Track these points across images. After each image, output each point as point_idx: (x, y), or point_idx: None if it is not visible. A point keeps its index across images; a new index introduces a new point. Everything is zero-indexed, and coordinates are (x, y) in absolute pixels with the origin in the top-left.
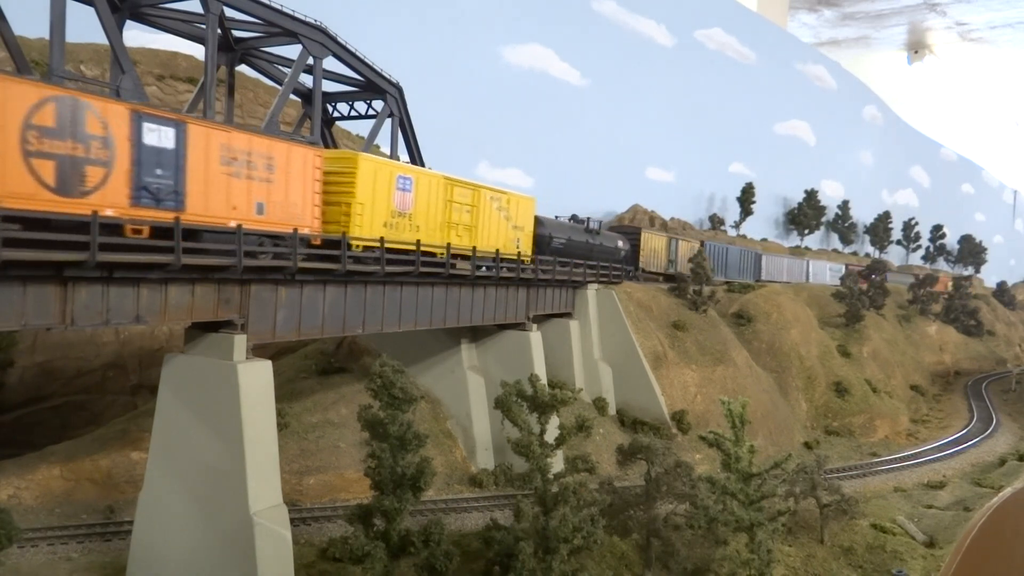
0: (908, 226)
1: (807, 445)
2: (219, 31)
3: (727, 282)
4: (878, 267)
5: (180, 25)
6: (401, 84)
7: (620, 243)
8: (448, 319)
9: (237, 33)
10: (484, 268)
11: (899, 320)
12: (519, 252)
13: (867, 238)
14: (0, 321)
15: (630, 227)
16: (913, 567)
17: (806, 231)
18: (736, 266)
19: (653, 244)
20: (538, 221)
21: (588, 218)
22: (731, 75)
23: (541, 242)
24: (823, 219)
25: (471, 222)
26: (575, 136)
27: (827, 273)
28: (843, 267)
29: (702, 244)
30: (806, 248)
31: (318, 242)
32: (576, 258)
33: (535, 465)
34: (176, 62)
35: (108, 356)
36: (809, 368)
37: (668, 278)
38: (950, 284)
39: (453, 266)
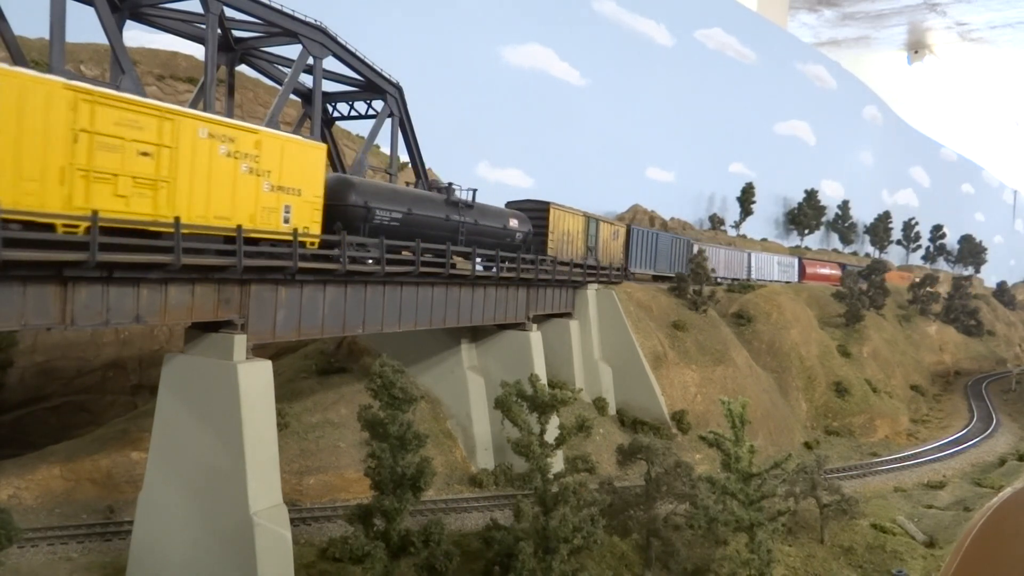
0: (908, 226)
1: (807, 445)
2: (219, 31)
3: (656, 276)
4: (878, 267)
5: (180, 25)
6: (401, 84)
7: (513, 223)
8: (448, 319)
9: (237, 33)
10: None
11: (899, 320)
12: (260, 224)
13: (867, 238)
14: (0, 321)
15: (533, 203)
16: (913, 567)
17: (806, 231)
18: (666, 257)
19: (566, 226)
20: (345, 184)
21: (450, 184)
22: (731, 75)
23: (351, 216)
24: (823, 219)
25: (158, 173)
26: (575, 136)
27: (775, 268)
28: (795, 261)
29: (628, 227)
30: (806, 248)
31: None
32: (427, 240)
33: (535, 465)
34: (176, 62)
35: (108, 356)
36: (809, 368)
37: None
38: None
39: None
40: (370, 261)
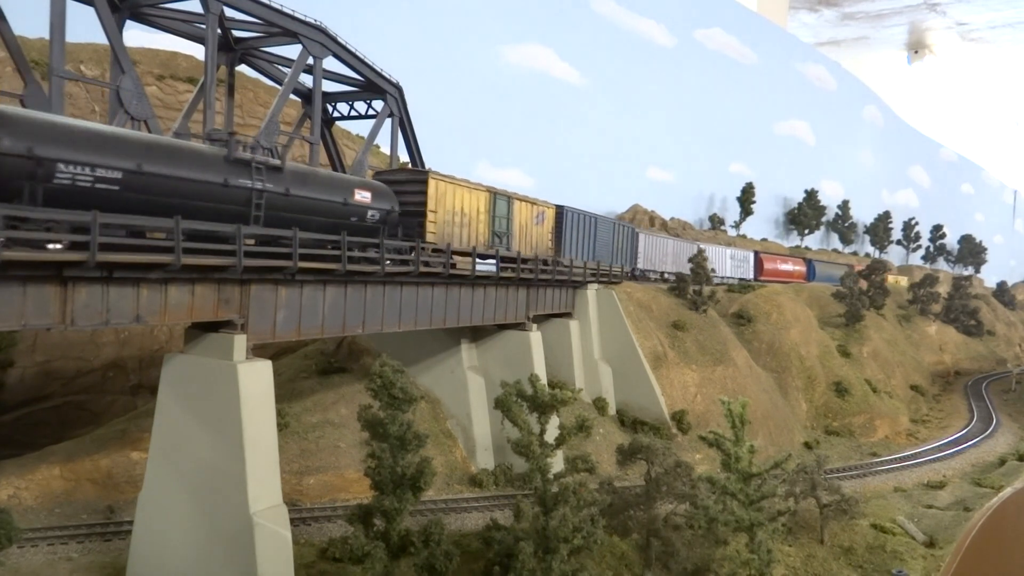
0: (908, 226)
1: (807, 445)
2: (219, 31)
3: (596, 272)
4: (878, 266)
5: (180, 25)
6: (401, 84)
7: (362, 196)
8: (448, 319)
9: (237, 33)
10: None
11: (899, 320)
12: None
13: (867, 238)
14: (0, 321)
15: (407, 172)
16: (913, 567)
17: (806, 231)
18: (607, 247)
19: (458, 203)
20: None
21: (234, 135)
22: (731, 75)
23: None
24: (823, 219)
25: None
26: (575, 136)
27: (727, 263)
28: (750, 256)
29: (559, 209)
30: (806, 248)
31: None
32: (189, 216)
33: (535, 465)
34: (176, 62)
35: (108, 356)
36: (809, 368)
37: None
38: (899, 279)
39: None
40: (57, 245)
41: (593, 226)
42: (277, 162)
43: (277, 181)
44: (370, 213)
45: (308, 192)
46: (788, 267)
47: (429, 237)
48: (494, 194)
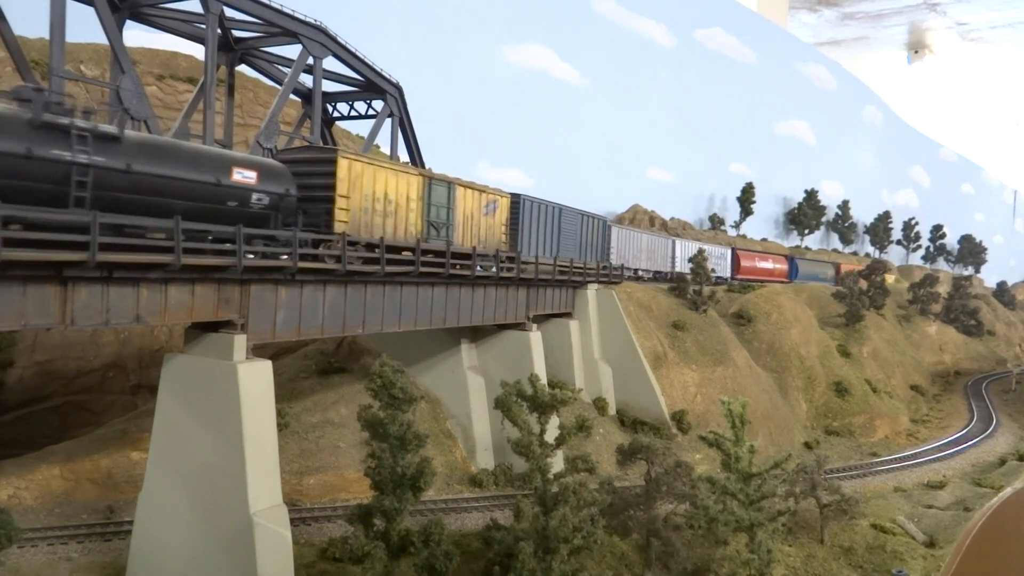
0: (908, 226)
1: (807, 445)
2: (219, 31)
3: (564, 269)
4: (878, 266)
5: (180, 25)
6: (401, 84)
7: (245, 177)
8: (448, 319)
9: (237, 33)
10: None
11: (899, 320)
12: None
13: (867, 238)
14: (0, 321)
15: (313, 150)
16: (913, 567)
17: (806, 231)
18: (574, 241)
19: (379, 187)
20: None
21: (42, 92)
22: (731, 75)
23: None
24: (823, 219)
25: None
26: (575, 136)
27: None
28: (729, 251)
29: (515, 198)
30: (806, 248)
31: None
32: None
33: (535, 465)
34: (176, 62)
35: (108, 356)
36: (809, 368)
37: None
38: (886, 277)
39: None
40: None
41: (556, 218)
42: (112, 129)
43: (113, 154)
44: (255, 197)
45: (161, 169)
46: (768, 265)
47: (339, 227)
48: (429, 179)
